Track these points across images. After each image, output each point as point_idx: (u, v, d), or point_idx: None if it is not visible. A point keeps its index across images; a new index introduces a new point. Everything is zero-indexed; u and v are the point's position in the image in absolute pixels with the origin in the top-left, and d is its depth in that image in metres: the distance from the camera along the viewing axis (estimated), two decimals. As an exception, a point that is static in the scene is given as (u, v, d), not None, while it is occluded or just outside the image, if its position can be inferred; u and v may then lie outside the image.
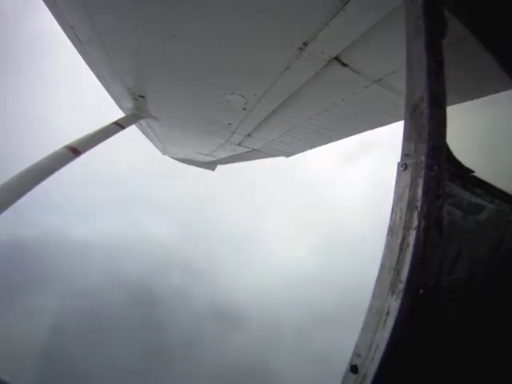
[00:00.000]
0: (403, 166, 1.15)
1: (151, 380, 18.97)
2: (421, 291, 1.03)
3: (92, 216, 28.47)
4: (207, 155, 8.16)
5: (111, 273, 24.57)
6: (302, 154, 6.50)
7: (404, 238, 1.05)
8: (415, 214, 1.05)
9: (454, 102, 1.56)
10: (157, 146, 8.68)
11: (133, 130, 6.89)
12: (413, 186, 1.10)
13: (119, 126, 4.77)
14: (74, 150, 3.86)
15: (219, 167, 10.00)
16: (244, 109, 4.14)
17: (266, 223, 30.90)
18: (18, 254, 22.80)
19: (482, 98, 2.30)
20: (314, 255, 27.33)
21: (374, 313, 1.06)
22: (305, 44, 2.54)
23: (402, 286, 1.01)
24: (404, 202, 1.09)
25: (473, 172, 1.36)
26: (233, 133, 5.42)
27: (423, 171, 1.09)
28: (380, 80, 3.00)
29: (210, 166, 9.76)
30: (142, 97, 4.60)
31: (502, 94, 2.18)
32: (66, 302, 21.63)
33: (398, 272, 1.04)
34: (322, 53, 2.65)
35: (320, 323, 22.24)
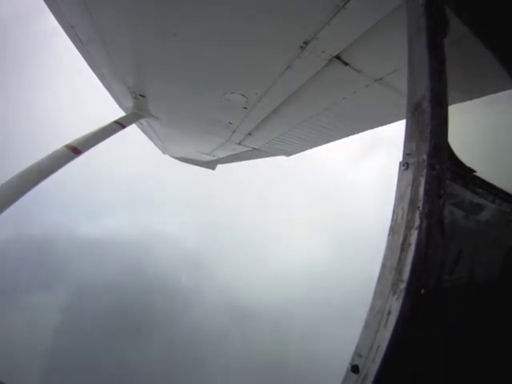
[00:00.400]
0: (405, 165, 1.14)
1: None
2: (422, 291, 1.03)
3: (99, 214, 28.82)
4: (207, 154, 8.16)
5: (114, 269, 24.77)
6: (311, 151, 6.42)
7: (405, 238, 1.05)
8: (417, 214, 1.05)
9: (454, 101, 1.55)
10: (157, 145, 8.68)
11: (136, 130, 6.92)
12: (414, 185, 1.09)
13: (120, 125, 4.77)
14: (75, 150, 3.86)
15: (225, 167, 9.98)
16: (245, 108, 4.13)
17: (277, 221, 31.14)
18: (27, 251, 23.12)
19: (482, 98, 2.30)
20: (326, 253, 27.53)
21: (376, 312, 1.05)
22: (306, 43, 2.53)
23: (403, 285, 1.01)
24: (406, 202, 1.09)
25: (474, 172, 1.36)
26: (233, 132, 5.41)
27: (425, 170, 1.08)
28: (381, 79, 2.99)
29: (211, 165, 9.76)
30: (143, 96, 4.60)
31: (503, 94, 2.17)
32: (77, 299, 21.94)
33: (399, 272, 1.03)
34: (323, 52, 2.64)
35: (327, 321, 22.39)
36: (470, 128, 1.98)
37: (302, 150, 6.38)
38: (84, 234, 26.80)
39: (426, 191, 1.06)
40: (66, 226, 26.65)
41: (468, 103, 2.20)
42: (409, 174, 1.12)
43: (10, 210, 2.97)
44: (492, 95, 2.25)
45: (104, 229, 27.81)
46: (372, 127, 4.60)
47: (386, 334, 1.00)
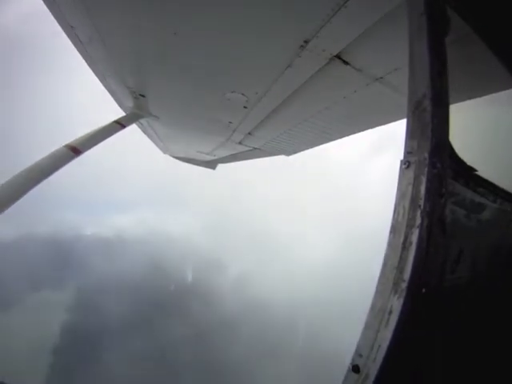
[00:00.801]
0: (406, 164, 1.13)
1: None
2: (423, 290, 1.02)
3: (111, 214, 29.44)
4: (208, 154, 8.16)
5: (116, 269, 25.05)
6: (315, 150, 6.35)
7: (407, 237, 1.04)
8: (418, 213, 1.04)
9: (455, 100, 1.54)
10: (157, 145, 8.68)
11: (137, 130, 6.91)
12: (416, 183, 1.08)
13: (120, 124, 4.76)
14: (75, 149, 3.85)
15: (234, 167, 9.99)
16: (245, 107, 4.12)
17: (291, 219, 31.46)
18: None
19: (483, 97, 2.29)
20: (340, 252, 27.74)
21: (377, 312, 1.05)
22: (306, 42, 2.52)
23: (404, 285, 1.00)
24: (407, 200, 1.08)
25: (475, 170, 1.35)
26: (233, 131, 5.41)
27: (426, 169, 1.08)
28: (381, 78, 2.99)
29: (211, 164, 9.77)
30: (143, 95, 4.59)
31: (504, 93, 2.16)
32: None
33: (400, 271, 1.03)
34: (324, 50, 2.63)
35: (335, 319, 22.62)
36: (471, 127, 1.97)
37: (303, 150, 6.38)
38: (101, 232, 27.37)
39: (428, 190, 1.05)
40: (80, 225, 27.20)
41: (469, 102, 2.19)
42: (410, 173, 1.11)
43: (14, 209, 2.98)
44: (493, 94, 2.24)
45: (119, 228, 28.37)
46: (373, 126, 4.59)
47: (386, 334, 1.00)
